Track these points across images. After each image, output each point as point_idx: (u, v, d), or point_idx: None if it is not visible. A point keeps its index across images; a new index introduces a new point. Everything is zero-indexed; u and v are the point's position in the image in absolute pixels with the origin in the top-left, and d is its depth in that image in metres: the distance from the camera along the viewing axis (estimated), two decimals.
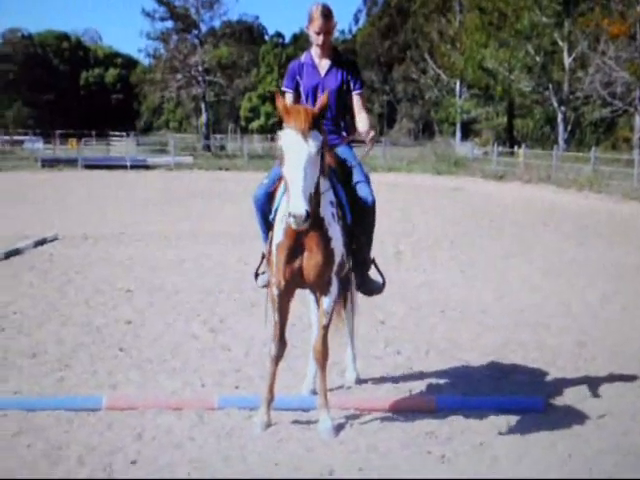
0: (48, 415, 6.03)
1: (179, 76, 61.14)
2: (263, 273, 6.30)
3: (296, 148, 5.15)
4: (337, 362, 7.18)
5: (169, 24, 62.87)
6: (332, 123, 6.20)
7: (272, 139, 68.28)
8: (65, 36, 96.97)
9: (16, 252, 13.90)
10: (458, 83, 58.04)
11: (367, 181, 6.17)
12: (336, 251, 5.66)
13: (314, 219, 5.22)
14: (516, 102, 55.25)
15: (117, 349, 8.01)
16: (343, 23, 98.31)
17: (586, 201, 27.23)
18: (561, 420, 6.01)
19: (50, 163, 44.65)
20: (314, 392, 6.41)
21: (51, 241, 15.54)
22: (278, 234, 5.66)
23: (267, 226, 6.02)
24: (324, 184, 5.49)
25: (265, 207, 6.06)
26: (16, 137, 68.43)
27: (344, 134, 6.35)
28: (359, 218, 6.00)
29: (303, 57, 6.35)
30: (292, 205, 5.04)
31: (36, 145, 59.36)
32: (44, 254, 14.05)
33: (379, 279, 6.32)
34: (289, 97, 6.28)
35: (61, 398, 6.42)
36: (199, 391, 6.76)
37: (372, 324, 8.92)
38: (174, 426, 5.87)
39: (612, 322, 9.42)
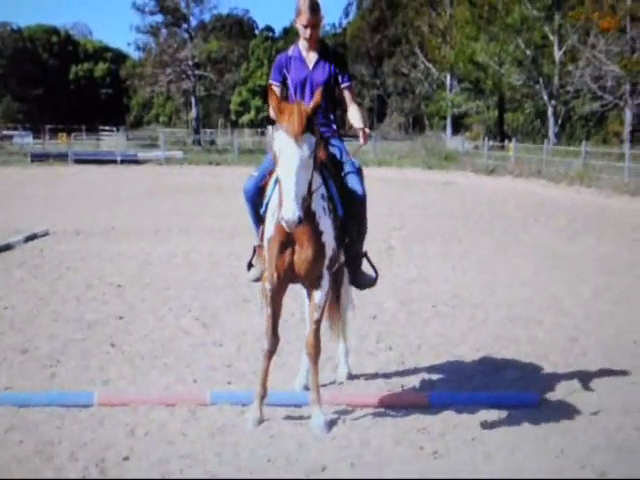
0: (40, 411, 6.01)
1: (169, 70, 61.00)
2: (254, 266, 6.30)
3: (289, 153, 5.15)
4: (330, 357, 7.19)
5: (159, 18, 62.92)
6: (322, 116, 6.16)
7: (262, 133, 68.26)
8: (54, 30, 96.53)
9: (7, 247, 13.84)
10: (448, 77, 58.06)
11: (358, 173, 6.16)
12: (327, 245, 5.66)
13: (305, 213, 5.21)
14: (506, 96, 55.29)
15: (108, 344, 7.99)
16: (333, 17, 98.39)
17: (577, 195, 27.31)
18: (553, 415, 6.02)
19: (40, 158, 44.47)
20: (307, 387, 6.40)
21: (42, 236, 15.48)
22: (269, 228, 5.67)
23: (258, 219, 6.03)
24: (316, 179, 5.49)
25: (256, 200, 6.06)
26: (5, 132, 68.09)
27: (334, 127, 6.33)
28: (350, 211, 5.99)
29: (290, 50, 6.33)
30: (285, 210, 5.06)
31: (25, 140, 59.06)
32: (35, 249, 14.00)
33: (372, 273, 6.31)
34: (276, 90, 6.23)
35: (53, 394, 6.40)
36: (191, 387, 6.74)
37: (364, 319, 8.91)
38: (166, 422, 5.86)
39: (604, 317, 9.44)
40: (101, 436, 5.59)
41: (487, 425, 5.80)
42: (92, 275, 11.65)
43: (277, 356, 6.13)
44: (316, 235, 5.56)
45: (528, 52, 47.38)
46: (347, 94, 6.32)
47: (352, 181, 6.06)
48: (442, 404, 6.20)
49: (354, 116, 6.23)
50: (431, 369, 7.32)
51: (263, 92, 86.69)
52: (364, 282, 6.32)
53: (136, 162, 44.25)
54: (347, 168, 6.12)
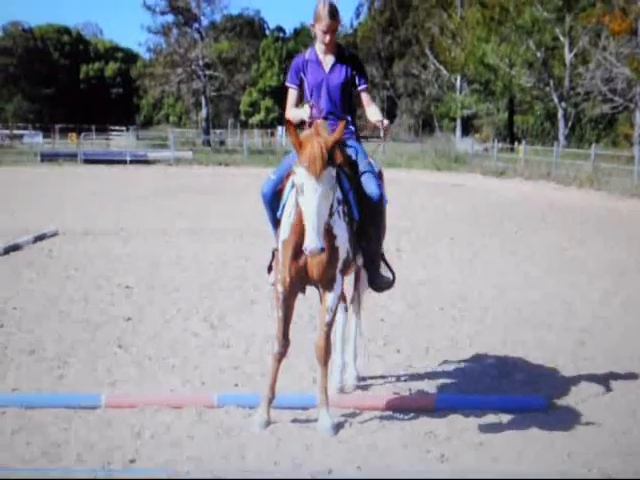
0: (47, 413, 6.01)
1: (179, 70, 61.06)
2: (273, 269, 6.33)
3: (310, 189, 5.24)
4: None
5: (170, 18, 62.93)
6: (340, 119, 6.20)
7: (272, 134, 68.34)
8: (65, 30, 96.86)
9: (15, 247, 13.87)
10: (459, 78, 58.03)
11: (375, 175, 6.18)
12: (341, 248, 5.68)
13: None
14: (517, 98, 55.24)
15: (116, 346, 8.00)
16: (344, 18, 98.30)
17: (586, 198, 27.21)
18: (561, 419, 6.00)
19: (50, 158, 44.52)
20: (341, 390, 6.55)
21: (51, 236, 15.50)
22: (285, 231, 5.71)
23: (276, 222, 6.06)
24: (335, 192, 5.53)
25: (273, 204, 6.10)
26: (16, 131, 68.34)
27: (352, 128, 6.36)
28: (367, 214, 6.00)
29: (307, 53, 6.37)
30: (308, 241, 5.18)
31: (36, 139, 59.21)
32: (43, 250, 14.03)
33: (389, 275, 6.31)
34: (293, 93, 6.35)
35: (60, 395, 6.41)
36: (198, 389, 6.75)
37: (371, 322, 8.89)
38: (173, 424, 5.86)
39: (613, 320, 9.41)
40: (108, 438, 5.59)
41: (494, 429, 5.79)
42: (100, 276, 11.67)
43: (290, 357, 6.13)
44: (330, 238, 5.56)
45: (539, 54, 47.35)
46: (365, 96, 6.39)
47: (368, 183, 6.07)
48: (449, 408, 6.18)
49: (374, 113, 6.28)
50: (438, 372, 7.31)
51: (273, 93, 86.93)
52: (382, 284, 6.32)
53: (146, 162, 44.32)
54: (362, 168, 6.13)
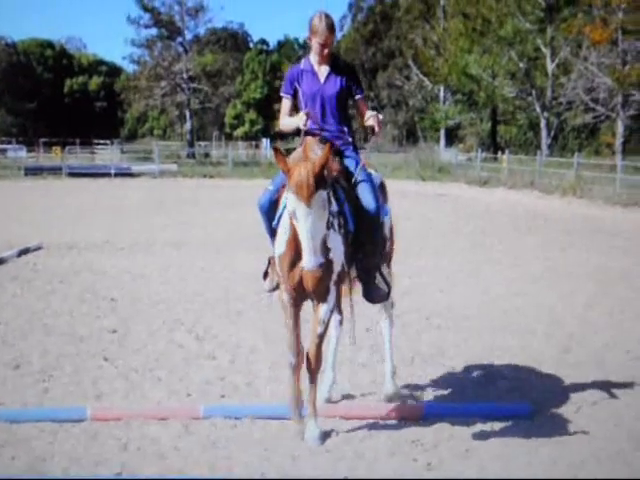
0: (32, 427, 5.99)
1: (163, 83, 61.13)
2: (269, 276, 6.34)
3: (301, 214, 5.26)
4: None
5: (154, 31, 62.95)
6: (336, 129, 6.24)
7: (257, 146, 68.29)
8: (49, 44, 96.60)
9: None
10: (442, 89, 58.26)
11: (373, 186, 6.18)
12: (335, 261, 5.68)
13: None
14: (500, 108, 55.56)
15: (101, 359, 7.97)
16: None
17: (569, 206, 27.37)
18: (546, 426, 6.03)
19: (34, 172, 44.39)
20: (328, 400, 6.53)
21: (35, 250, 15.45)
22: (280, 244, 5.73)
23: (272, 232, 6.06)
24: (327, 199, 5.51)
25: (270, 214, 6.10)
26: None
27: (349, 138, 6.36)
28: (363, 226, 6.01)
29: (302, 63, 6.39)
30: (305, 261, 5.26)
31: (19, 153, 59.01)
32: (28, 263, 13.97)
33: (384, 287, 6.30)
34: (287, 103, 6.35)
35: (45, 409, 6.39)
36: (184, 400, 6.73)
37: (357, 332, 8.86)
38: (159, 436, 5.84)
39: (597, 327, 9.46)
40: (94, 451, 5.56)
41: (480, 436, 5.80)
42: (85, 289, 11.63)
43: (276, 368, 6.11)
44: (324, 251, 5.55)
45: (521, 64, 47.67)
46: (361, 105, 6.41)
47: (365, 195, 6.07)
48: (436, 416, 6.20)
49: (368, 115, 6.22)
50: (424, 381, 7.32)
51: (257, 105, 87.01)
52: (377, 296, 6.31)
53: (130, 175, 44.28)
54: (358, 178, 6.13)
